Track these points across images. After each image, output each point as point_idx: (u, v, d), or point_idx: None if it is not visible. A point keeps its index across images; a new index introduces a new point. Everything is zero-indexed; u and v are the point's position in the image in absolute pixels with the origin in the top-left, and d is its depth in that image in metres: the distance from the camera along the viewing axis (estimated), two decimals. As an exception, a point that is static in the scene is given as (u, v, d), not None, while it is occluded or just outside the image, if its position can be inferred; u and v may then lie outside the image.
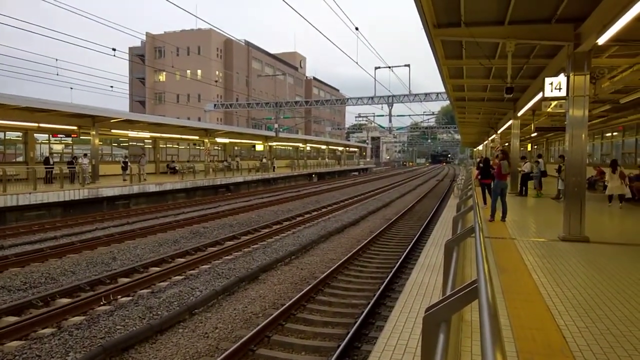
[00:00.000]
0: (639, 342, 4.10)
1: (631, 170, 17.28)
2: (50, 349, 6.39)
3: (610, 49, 10.07)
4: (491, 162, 14.04)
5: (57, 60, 30.45)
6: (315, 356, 6.38)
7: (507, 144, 36.39)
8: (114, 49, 27.98)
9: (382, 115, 67.17)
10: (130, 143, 33.44)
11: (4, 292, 9.09)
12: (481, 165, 14.79)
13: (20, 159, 25.10)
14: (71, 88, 37.78)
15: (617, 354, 3.86)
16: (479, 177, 14.13)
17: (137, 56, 70.73)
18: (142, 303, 8.29)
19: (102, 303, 8.39)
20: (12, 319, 7.59)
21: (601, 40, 7.43)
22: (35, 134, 24.86)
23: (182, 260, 11.69)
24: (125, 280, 9.85)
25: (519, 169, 19.40)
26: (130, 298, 8.74)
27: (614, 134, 22.15)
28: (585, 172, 9.31)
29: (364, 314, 7.50)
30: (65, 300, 8.47)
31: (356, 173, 70.67)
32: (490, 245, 8.43)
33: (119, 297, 8.76)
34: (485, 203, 13.94)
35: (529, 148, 41.38)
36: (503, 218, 11.55)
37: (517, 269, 6.71)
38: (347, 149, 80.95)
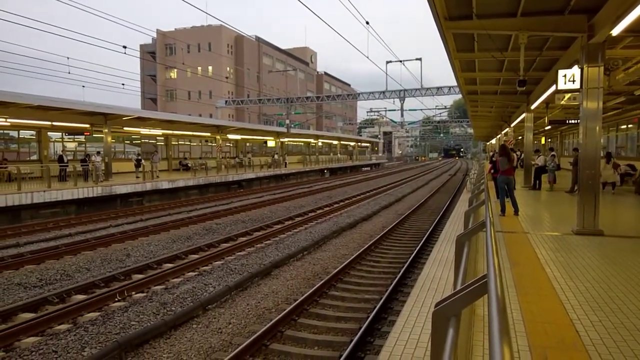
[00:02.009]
0: (654, 336, 4.06)
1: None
2: (67, 345, 6.48)
3: (625, 40, 9.91)
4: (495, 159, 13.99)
5: (68, 58, 30.80)
6: (328, 351, 6.40)
7: (520, 138, 36.19)
8: (124, 47, 28.16)
9: (394, 110, 67.14)
10: (143, 140, 33.70)
11: (20, 288, 9.24)
12: (493, 159, 14.69)
13: (34, 157, 25.45)
14: (83, 86, 38.22)
15: (630, 348, 3.82)
16: (492, 171, 14.05)
17: (148, 53, 71.21)
18: (156, 299, 8.37)
19: (116, 299, 8.50)
20: (28, 315, 7.72)
21: (615, 31, 7.32)
22: (48, 132, 25.16)
23: (195, 256, 11.79)
24: (139, 276, 9.96)
25: (533, 162, 19.22)
26: (145, 294, 8.83)
27: (629, 126, 21.84)
28: (600, 165, 9.21)
29: (376, 309, 7.51)
30: (80, 297, 8.59)
31: (368, 168, 70.54)
32: (503, 240, 8.38)
33: (133, 293, 8.85)
34: (497, 197, 13.87)
35: (543, 141, 40.95)
36: (515, 212, 11.48)
37: (530, 263, 6.66)
38: (359, 144, 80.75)
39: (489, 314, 1.56)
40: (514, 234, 9.09)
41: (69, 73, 31.63)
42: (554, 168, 18.57)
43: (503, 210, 11.56)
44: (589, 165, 8.91)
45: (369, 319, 7.06)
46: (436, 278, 6.41)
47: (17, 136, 24.86)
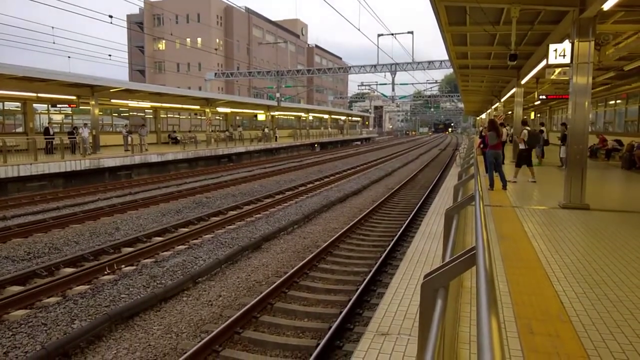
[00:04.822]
0: (634, 306, 4.16)
1: (633, 138, 17.19)
2: (56, 317, 6.48)
3: (616, 15, 9.86)
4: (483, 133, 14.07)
5: (53, 28, 30.02)
6: (318, 322, 6.48)
7: (510, 112, 36.25)
8: (110, 16, 27.44)
9: (385, 84, 66.46)
10: (131, 113, 33.23)
11: (8, 262, 9.17)
12: (483, 134, 14.74)
13: (20, 129, 25.04)
14: (69, 57, 37.22)
15: (613, 318, 3.92)
16: (481, 145, 14.09)
17: (136, 24, 69.67)
18: (146, 272, 8.38)
19: (106, 272, 8.48)
20: (16, 288, 7.67)
21: (607, 6, 7.29)
22: (34, 104, 24.70)
23: (185, 230, 11.77)
24: (129, 249, 9.94)
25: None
26: (134, 267, 8.83)
27: (618, 101, 21.93)
28: (588, 140, 9.28)
29: (365, 281, 7.59)
30: (69, 270, 8.56)
31: (359, 143, 70.45)
32: (491, 213, 8.47)
33: (123, 266, 8.85)
34: (487, 172, 13.95)
35: (532, 116, 41.08)
36: (504, 187, 11.58)
37: (518, 237, 6.75)
38: (350, 118, 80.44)
39: (477, 286, 1.57)
40: (502, 207, 9.18)
41: (54, 43, 30.89)
42: (542, 143, 18.64)
43: (491, 184, 11.66)
44: (577, 140, 8.97)
45: (358, 291, 7.14)
46: (425, 251, 6.48)
47: (1, 108, 24.35)
